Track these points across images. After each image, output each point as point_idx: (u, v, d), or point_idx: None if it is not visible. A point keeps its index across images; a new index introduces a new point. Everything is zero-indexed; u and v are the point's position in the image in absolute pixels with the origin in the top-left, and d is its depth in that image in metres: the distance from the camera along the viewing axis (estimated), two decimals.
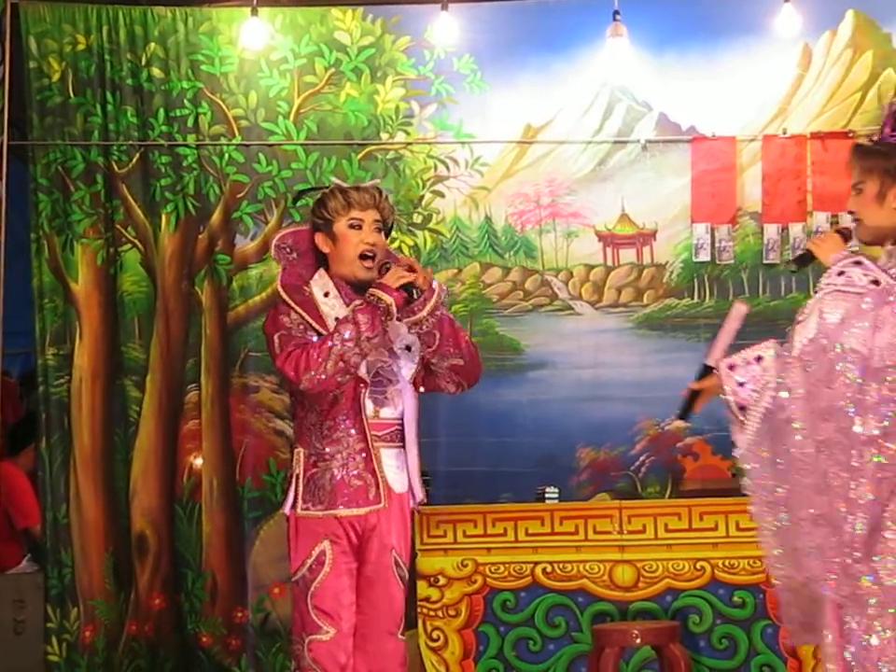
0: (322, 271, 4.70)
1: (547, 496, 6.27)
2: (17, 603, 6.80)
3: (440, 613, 6.09)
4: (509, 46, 6.99)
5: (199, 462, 6.90)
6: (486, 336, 6.97)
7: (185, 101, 6.97)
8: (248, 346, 6.94)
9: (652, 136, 7.00)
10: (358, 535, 4.57)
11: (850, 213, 4.20)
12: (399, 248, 6.97)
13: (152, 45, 6.95)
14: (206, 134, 7.00)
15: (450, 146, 7.03)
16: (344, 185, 4.75)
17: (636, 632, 5.65)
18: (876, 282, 3.97)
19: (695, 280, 6.96)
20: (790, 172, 6.90)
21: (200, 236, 6.98)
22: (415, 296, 4.50)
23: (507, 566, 6.08)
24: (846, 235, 4.22)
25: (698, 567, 6.02)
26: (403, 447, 4.65)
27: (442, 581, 6.09)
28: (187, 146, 6.97)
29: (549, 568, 6.10)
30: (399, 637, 4.63)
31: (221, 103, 7.01)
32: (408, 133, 7.05)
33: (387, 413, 4.62)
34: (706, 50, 6.89)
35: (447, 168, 7.04)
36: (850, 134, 6.84)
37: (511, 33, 6.99)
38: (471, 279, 7.02)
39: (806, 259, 4.34)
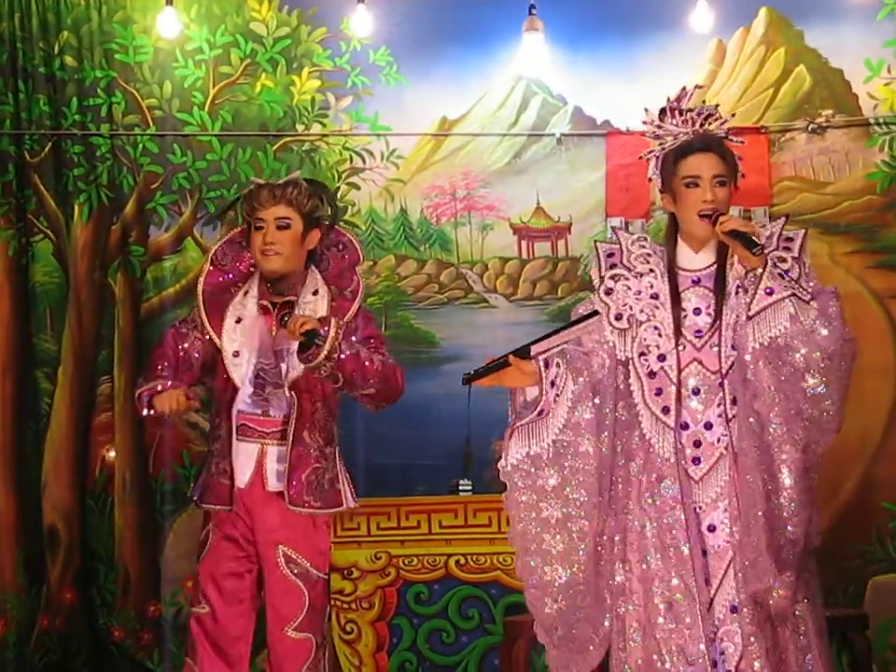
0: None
1: (461, 488, 6.29)
2: None
3: (353, 606, 6.09)
4: (425, 38, 7.01)
5: (111, 455, 6.85)
6: (401, 328, 6.99)
7: (98, 90, 6.91)
8: None
9: (567, 130, 7.04)
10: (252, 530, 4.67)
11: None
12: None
13: (65, 33, 6.89)
14: (120, 124, 6.95)
15: (365, 138, 7.04)
16: (261, 182, 4.72)
17: None
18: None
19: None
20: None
21: (113, 227, 6.93)
22: (317, 342, 4.44)
23: (420, 558, 6.10)
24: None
25: None
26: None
27: (356, 573, 6.10)
28: (100, 135, 6.92)
29: (462, 560, 6.13)
30: (293, 633, 4.62)
31: (135, 92, 6.96)
32: (323, 125, 7.04)
33: (275, 412, 4.63)
34: (620, 45, 6.93)
35: (363, 160, 7.04)
36: (763, 130, 6.92)
37: (428, 25, 7.00)
38: (386, 271, 7.02)
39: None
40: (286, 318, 4.54)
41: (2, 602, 6.76)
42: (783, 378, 3.86)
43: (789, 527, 3.85)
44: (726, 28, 6.95)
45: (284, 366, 4.61)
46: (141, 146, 6.95)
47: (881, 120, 6.89)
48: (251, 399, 4.61)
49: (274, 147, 7.00)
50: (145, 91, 6.96)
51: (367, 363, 4.58)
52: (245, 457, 4.62)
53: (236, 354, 4.63)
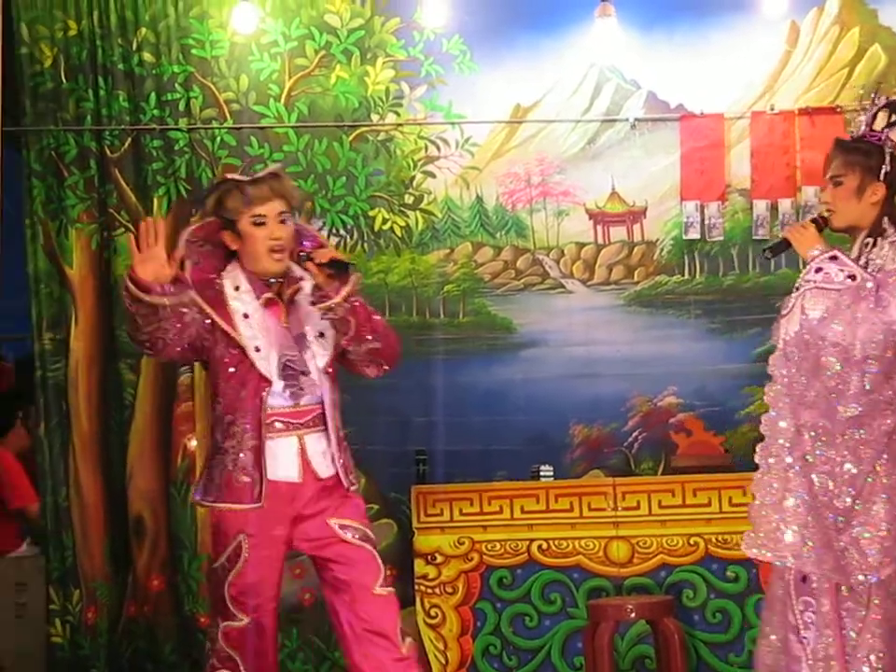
0: (235, 263, 4.55)
1: (542, 473, 6.32)
2: (19, 586, 6.83)
3: (437, 591, 6.14)
4: (498, 26, 7.02)
5: (193, 444, 6.92)
6: (479, 315, 7.02)
7: (176, 85, 6.98)
8: None
9: (641, 115, 7.04)
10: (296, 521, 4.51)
11: (825, 203, 4.35)
12: (392, 229, 7.01)
13: (143, 29, 6.96)
14: (198, 118, 7.02)
15: (440, 126, 7.06)
16: (240, 178, 4.58)
17: (630, 606, 5.70)
18: (853, 276, 4.12)
19: (685, 257, 7.00)
20: (778, 148, 6.94)
21: (192, 219, 6.99)
22: (348, 270, 4.40)
23: (503, 543, 6.14)
24: (820, 225, 4.31)
25: (692, 542, 6.09)
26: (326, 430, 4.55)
27: (439, 558, 6.15)
28: (178, 129, 6.99)
29: (544, 545, 6.16)
30: (380, 590, 4.50)
31: (212, 86, 7.02)
32: (398, 115, 7.07)
33: (307, 400, 4.49)
34: (694, 29, 6.92)
35: (438, 149, 7.07)
36: (838, 110, 6.88)
37: (500, 13, 7.02)
38: (463, 259, 7.05)
39: (782, 247, 4.44)
40: (307, 256, 4.44)
41: (93, 590, 6.86)
42: None
43: None
44: (800, 9, 6.92)
45: (308, 352, 4.50)
46: (219, 139, 7.01)
47: None
48: (286, 391, 4.45)
49: (350, 138, 7.05)
50: (222, 85, 7.02)
51: (374, 315, 4.56)
52: (284, 452, 4.46)
53: (258, 349, 4.46)
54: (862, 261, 4.21)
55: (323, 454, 4.50)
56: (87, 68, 6.97)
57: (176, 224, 6.95)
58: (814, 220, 4.35)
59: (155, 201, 6.98)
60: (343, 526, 4.50)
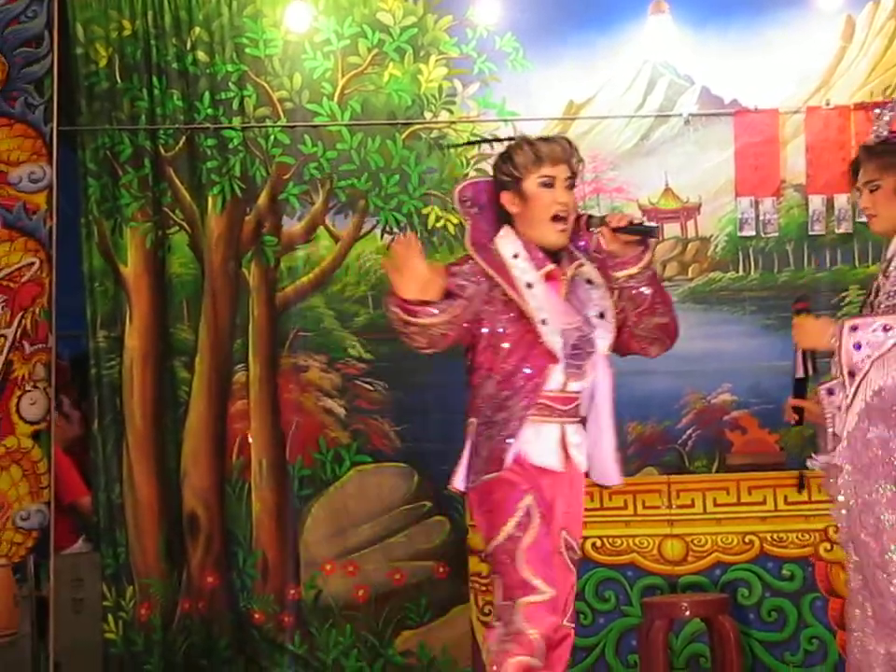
0: (508, 228, 4.30)
1: None
2: (75, 582, 6.87)
3: (491, 588, 6.13)
4: (550, 23, 7.00)
5: (249, 440, 6.95)
6: None
7: (230, 84, 7.01)
8: (297, 327, 7.00)
9: (695, 110, 7.01)
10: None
11: (865, 209, 4.36)
12: (445, 227, 7.01)
13: (197, 29, 6.99)
14: (251, 117, 7.04)
15: (493, 124, 7.04)
16: (532, 137, 4.37)
17: (685, 604, 5.69)
18: (886, 327, 4.10)
19: (740, 253, 6.97)
20: (833, 143, 6.89)
21: (246, 218, 7.03)
22: (652, 234, 4.20)
23: None
24: (805, 308, 4.35)
25: (747, 540, 6.05)
26: (583, 423, 4.33)
27: None
28: (232, 128, 7.01)
29: (598, 543, 6.14)
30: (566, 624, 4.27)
31: (266, 85, 7.04)
32: (451, 112, 7.08)
33: (574, 386, 4.26)
34: (747, 24, 6.88)
35: (491, 146, 7.04)
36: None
37: (553, 10, 7.00)
38: None
39: (809, 362, 4.37)
40: (595, 220, 4.24)
41: (146, 586, 6.91)
42: None
43: None
44: (855, 3, 6.88)
45: (595, 331, 4.27)
46: (272, 137, 7.03)
47: None
48: (567, 371, 4.22)
49: (403, 136, 7.05)
50: (275, 84, 7.04)
51: (661, 282, 4.31)
52: (542, 439, 4.23)
53: (544, 322, 4.19)
54: (889, 264, 4.23)
55: (578, 446, 4.30)
56: (141, 68, 7.00)
57: (231, 223, 7.01)
58: (798, 311, 4.33)
59: (209, 199, 7.00)
60: (568, 546, 4.34)
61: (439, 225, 7.02)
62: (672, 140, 7.03)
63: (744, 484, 6.09)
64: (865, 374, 4.12)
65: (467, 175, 7.00)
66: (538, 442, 4.22)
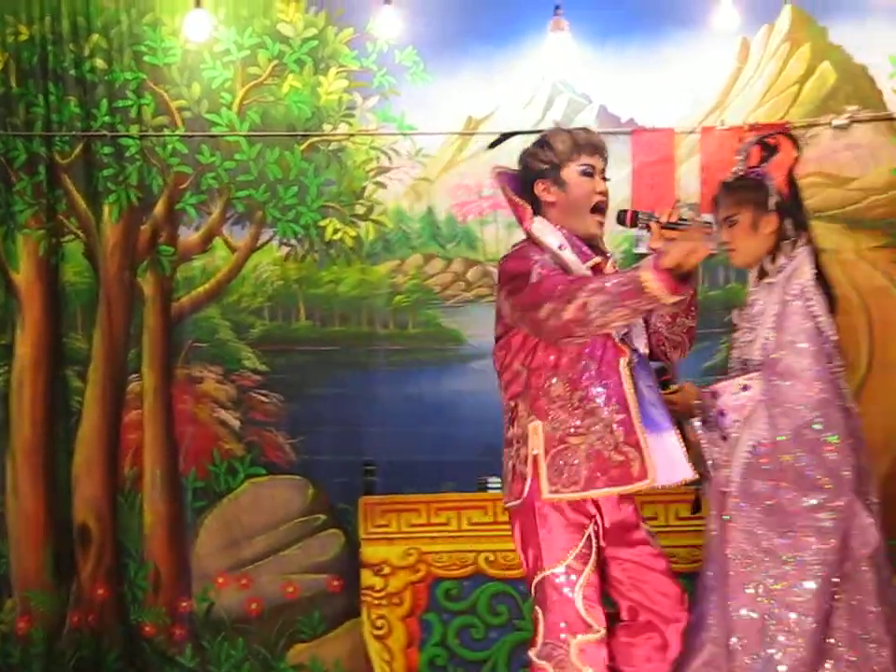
0: (541, 218, 4.23)
1: (489, 485, 6.31)
2: None
3: (384, 602, 6.12)
4: (450, 38, 7.03)
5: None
6: (428, 327, 7.03)
7: (128, 92, 6.95)
8: (193, 337, 6.96)
9: (593, 128, 7.03)
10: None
11: (724, 243, 4.46)
12: (342, 239, 7.01)
13: (95, 35, 6.93)
14: (149, 125, 6.99)
15: (392, 137, 7.06)
16: (565, 126, 4.35)
17: None
18: (745, 387, 4.22)
19: None
20: (727, 163, 6.80)
21: (143, 227, 6.98)
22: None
23: (450, 554, 6.12)
24: (667, 382, 4.38)
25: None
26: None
27: (386, 569, 6.13)
28: (130, 136, 6.96)
29: (492, 557, 6.16)
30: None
31: (164, 93, 7.00)
32: (350, 125, 7.08)
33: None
34: (645, 44, 6.95)
35: (389, 159, 7.07)
36: (787, 126, 6.93)
37: (453, 25, 7.03)
38: (413, 270, 7.06)
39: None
40: (643, 218, 4.22)
41: (26, 599, 6.81)
42: None
43: None
44: (751, 26, 6.97)
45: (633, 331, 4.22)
46: (170, 146, 6.99)
47: None
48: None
49: (302, 147, 7.04)
50: (174, 93, 7.00)
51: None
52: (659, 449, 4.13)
53: None
54: (748, 301, 4.39)
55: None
56: (37, 73, 6.92)
57: (127, 232, 6.95)
58: (662, 385, 4.32)
59: (105, 208, 6.94)
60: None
61: (336, 237, 7.02)
62: None
63: (637, 500, 6.12)
64: (737, 442, 4.22)
65: (365, 188, 7.01)
66: (659, 455, 4.09)
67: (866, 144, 6.93)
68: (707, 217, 4.52)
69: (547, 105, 7.11)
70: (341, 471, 6.77)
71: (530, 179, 4.24)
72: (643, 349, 4.22)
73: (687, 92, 7.03)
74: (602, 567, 4.13)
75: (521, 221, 4.24)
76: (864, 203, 6.91)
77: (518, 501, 4.11)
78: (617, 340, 4.08)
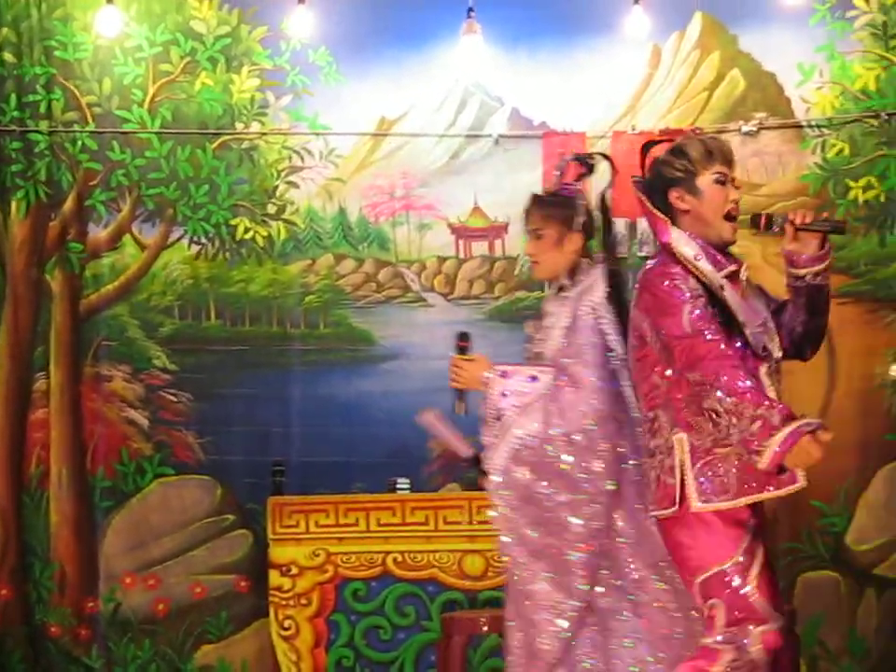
0: (677, 229, 4.14)
1: (398, 486, 6.33)
2: None
3: (291, 602, 6.12)
4: (364, 39, 7.03)
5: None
6: (339, 327, 7.02)
7: (38, 87, 6.89)
8: (101, 335, 6.91)
9: (505, 131, 7.09)
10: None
11: (529, 255, 4.59)
12: (253, 239, 6.99)
13: (4, 30, 6.85)
14: (59, 121, 6.93)
15: (305, 137, 7.05)
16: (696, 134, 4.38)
17: (483, 620, 5.72)
18: (534, 377, 4.37)
19: None
20: (638, 168, 7.00)
21: (51, 223, 6.92)
22: (841, 230, 4.15)
23: (358, 555, 6.13)
24: (465, 347, 4.55)
25: None
26: None
27: (294, 570, 6.13)
28: (39, 132, 6.89)
29: (400, 558, 6.17)
30: None
31: (75, 89, 6.94)
32: (263, 124, 7.05)
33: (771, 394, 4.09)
34: (558, 48, 6.99)
35: (302, 159, 7.06)
36: (697, 132, 6.99)
37: (366, 26, 7.02)
38: (325, 270, 7.05)
39: (461, 402, 4.56)
40: (779, 218, 4.14)
41: None
42: None
43: None
44: (662, 32, 7.03)
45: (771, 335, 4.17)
46: (80, 142, 6.93)
47: (813, 123, 6.99)
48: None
49: (213, 145, 7.00)
50: (84, 88, 6.94)
51: None
52: None
53: (745, 325, 4.07)
54: (544, 312, 4.50)
55: None
56: None
57: (35, 228, 6.89)
58: (458, 349, 4.54)
59: (13, 203, 6.88)
60: None
61: (247, 237, 7.00)
62: (482, 160, 7.11)
63: None
64: (510, 425, 4.34)
65: (277, 187, 7.00)
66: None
67: (774, 150, 7.01)
68: (839, 220, 4.46)
69: (460, 107, 7.13)
70: (250, 472, 6.75)
71: (663, 187, 4.22)
72: (777, 353, 4.18)
73: (599, 97, 7.08)
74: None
75: (659, 234, 4.20)
76: (771, 209, 6.95)
77: (667, 511, 4.07)
78: (758, 348, 4.07)
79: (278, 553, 6.14)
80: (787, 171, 7.00)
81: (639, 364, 4.20)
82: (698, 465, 4.00)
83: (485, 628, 5.73)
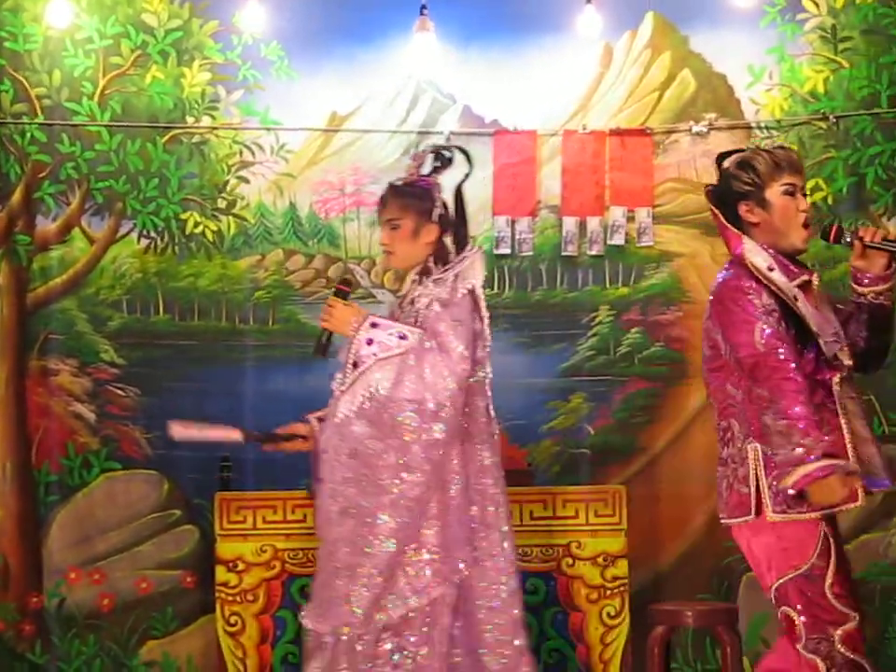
0: (749, 240, 4.23)
1: None
2: None
3: (238, 598, 6.09)
4: (316, 34, 7.02)
5: None
6: (289, 323, 7.01)
7: None
8: (48, 329, 6.86)
9: (456, 128, 7.10)
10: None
11: (384, 245, 4.68)
12: (203, 233, 6.97)
13: None
14: (8, 112, 6.88)
15: (256, 131, 7.04)
16: (761, 147, 4.40)
17: None
18: (403, 336, 4.43)
19: (495, 271, 7.06)
20: (588, 167, 7.06)
21: None
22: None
23: (305, 552, 6.10)
24: (344, 292, 4.67)
25: None
26: None
27: (241, 566, 6.10)
28: None
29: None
30: None
31: (24, 80, 6.89)
32: (214, 118, 7.03)
33: None
34: (510, 46, 7.01)
35: (252, 154, 7.04)
36: (647, 132, 7.03)
37: (320, 22, 7.02)
38: (275, 266, 7.04)
39: (325, 343, 4.66)
40: (850, 233, 4.24)
41: None
42: None
43: None
44: (614, 32, 7.06)
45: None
46: (29, 134, 6.88)
47: (762, 125, 7.04)
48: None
49: (164, 139, 6.98)
50: (34, 80, 6.89)
51: None
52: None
53: (818, 334, 4.17)
54: (408, 299, 4.56)
55: None
56: None
57: None
58: (337, 292, 4.66)
59: None
60: None
61: (197, 231, 6.98)
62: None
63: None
64: (366, 370, 4.41)
65: (227, 182, 6.98)
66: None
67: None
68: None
69: (411, 103, 7.13)
70: (197, 467, 6.72)
71: (733, 200, 4.28)
72: (847, 361, 4.23)
73: (550, 95, 7.10)
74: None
75: (732, 246, 4.28)
76: None
77: (741, 520, 4.17)
78: (830, 357, 4.15)
79: (225, 548, 6.11)
80: None
81: (714, 374, 4.27)
82: (773, 475, 4.06)
83: None
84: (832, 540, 4.11)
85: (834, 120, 6.91)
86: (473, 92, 7.09)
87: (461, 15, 6.98)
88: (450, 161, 4.74)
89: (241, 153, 7.03)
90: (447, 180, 4.76)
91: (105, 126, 6.94)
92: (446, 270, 4.54)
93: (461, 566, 4.39)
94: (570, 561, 6.06)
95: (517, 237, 7.03)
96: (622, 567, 6.05)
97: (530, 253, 7.05)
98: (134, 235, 6.96)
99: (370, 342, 4.46)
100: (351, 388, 4.43)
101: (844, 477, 3.92)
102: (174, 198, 6.97)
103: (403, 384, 4.32)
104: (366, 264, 7.04)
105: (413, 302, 4.57)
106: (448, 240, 4.66)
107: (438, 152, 4.76)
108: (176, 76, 6.99)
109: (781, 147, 4.38)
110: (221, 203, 7.00)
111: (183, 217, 6.97)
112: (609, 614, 6.05)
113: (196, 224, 6.98)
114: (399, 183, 4.75)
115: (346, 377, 4.48)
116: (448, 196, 4.71)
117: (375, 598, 4.33)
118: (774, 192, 4.23)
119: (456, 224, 4.69)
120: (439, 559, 4.37)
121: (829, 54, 6.98)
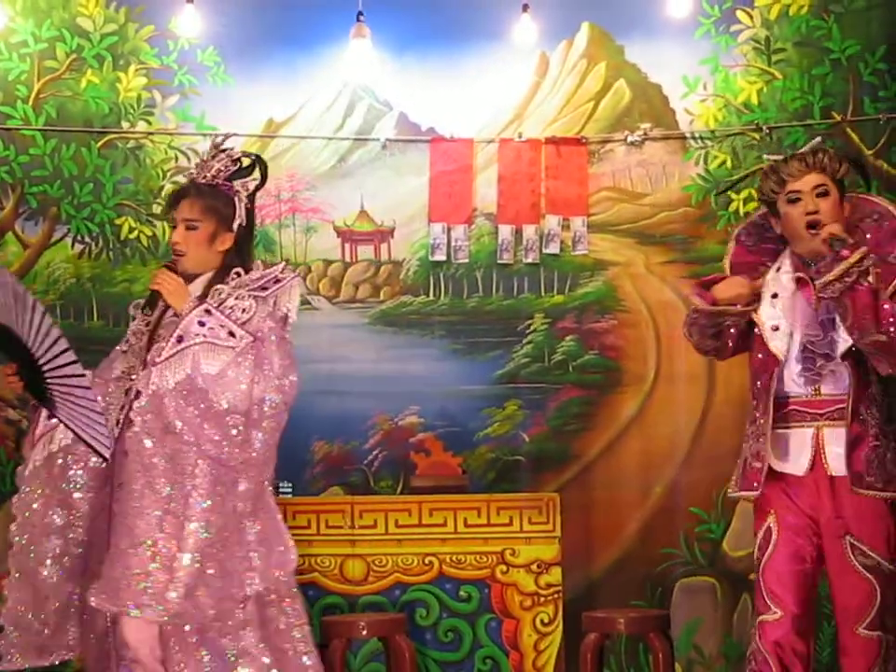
0: (786, 247, 4.56)
1: (281, 490, 6.30)
2: None
3: None
4: (253, 40, 7.01)
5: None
6: None
7: None
8: None
9: (392, 135, 7.11)
10: (815, 521, 4.38)
11: (175, 244, 4.54)
12: (138, 238, 6.94)
13: None
14: None
15: (191, 137, 7.01)
16: (779, 158, 4.52)
17: (362, 624, 5.74)
18: (232, 333, 4.33)
19: (431, 278, 7.08)
20: (524, 175, 7.09)
21: None
22: (836, 248, 4.25)
23: None
24: (174, 267, 4.50)
25: (426, 561, 6.15)
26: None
27: None
28: None
29: None
30: (863, 632, 4.31)
31: None
32: (149, 123, 7.00)
33: (829, 389, 4.37)
34: (446, 54, 7.02)
35: (188, 159, 7.00)
36: (583, 141, 7.06)
37: (256, 28, 7.01)
38: None
39: (154, 299, 4.52)
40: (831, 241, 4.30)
41: None
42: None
43: None
44: (550, 41, 7.09)
45: (834, 336, 4.36)
46: None
47: (697, 135, 7.09)
48: (801, 376, 4.37)
49: (99, 144, 6.94)
50: None
51: (885, 306, 4.22)
52: (796, 444, 4.37)
53: (775, 328, 4.40)
54: (214, 304, 4.41)
55: (836, 450, 4.34)
56: None
57: None
58: (167, 265, 4.51)
59: None
60: (856, 550, 4.33)
61: (132, 236, 6.95)
62: (369, 164, 7.12)
63: (426, 506, 6.19)
64: (191, 346, 4.30)
65: (162, 187, 6.95)
66: (789, 448, 4.38)
67: (658, 161, 7.10)
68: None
69: (348, 110, 7.14)
70: None
71: (769, 215, 4.60)
72: (839, 353, 4.37)
73: (486, 103, 7.12)
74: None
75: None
76: (655, 219, 7.07)
77: (750, 493, 4.48)
78: (776, 350, 4.42)
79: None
80: (671, 181, 7.10)
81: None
82: (742, 456, 4.52)
83: (364, 632, 5.75)
84: (775, 534, 4.37)
85: (767, 131, 6.97)
86: (410, 100, 7.10)
87: (398, 22, 6.98)
88: (251, 168, 4.66)
89: (176, 158, 7.00)
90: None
91: (40, 130, 6.90)
92: (263, 287, 4.49)
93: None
94: (504, 568, 6.08)
95: (453, 244, 7.05)
96: (555, 575, 6.08)
97: (466, 260, 7.07)
98: (69, 240, 6.92)
99: (201, 323, 4.33)
100: (171, 367, 4.29)
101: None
102: (108, 203, 6.93)
103: (227, 378, 4.22)
104: (301, 271, 7.02)
105: (220, 304, 4.44)
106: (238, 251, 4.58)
107: (238, 159, 4.67)
108: (112, 80, 6.96)
109: (787, 160, 4.50)
110: (156, 209, 6.96)
111: (118, 222, 6.94)
112: (542, 621, 6.07)
113: (131, 229, 6.94)
114: (203, 182, 4.60)
115: (167, 349, 4.32)
116: (242, 208, 4.61)
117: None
118: (782, 203, 4.47)
119: (246, 238, 4.64)
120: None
121: (762, 65, 7.04)
